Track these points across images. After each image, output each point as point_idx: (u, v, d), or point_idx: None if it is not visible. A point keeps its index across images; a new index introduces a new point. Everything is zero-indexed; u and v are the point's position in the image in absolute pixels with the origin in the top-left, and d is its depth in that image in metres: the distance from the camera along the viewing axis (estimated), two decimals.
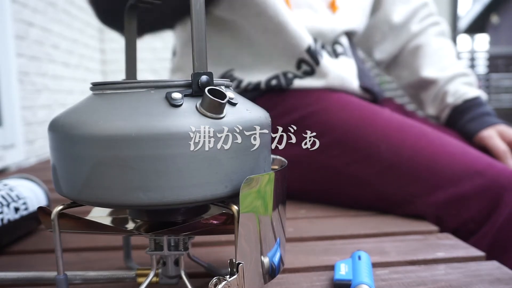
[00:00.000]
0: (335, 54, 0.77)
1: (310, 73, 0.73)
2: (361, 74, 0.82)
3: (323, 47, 0.76)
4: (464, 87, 0.83)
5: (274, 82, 0.73)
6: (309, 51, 0.72)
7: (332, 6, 0.80)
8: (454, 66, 0.86)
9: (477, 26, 9.70)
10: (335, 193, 0.71)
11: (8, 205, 0.51)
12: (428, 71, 0.86)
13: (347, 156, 0.68)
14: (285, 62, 0.73)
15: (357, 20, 0.84)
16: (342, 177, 0.69)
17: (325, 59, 0.74)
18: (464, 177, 0.61)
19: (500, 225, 0.58)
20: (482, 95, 0.84)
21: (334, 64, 0.75)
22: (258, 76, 0.73)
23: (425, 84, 0.87)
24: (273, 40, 0.72)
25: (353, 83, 0.78)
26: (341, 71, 0.75)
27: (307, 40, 0.72)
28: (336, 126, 0.69)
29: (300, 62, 0.73)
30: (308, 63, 0.73)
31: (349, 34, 0.84)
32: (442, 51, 0.88)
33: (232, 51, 0.76)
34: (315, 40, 0.75)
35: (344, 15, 0.80)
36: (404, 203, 0.64)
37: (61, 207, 0.33)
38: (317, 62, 0.73)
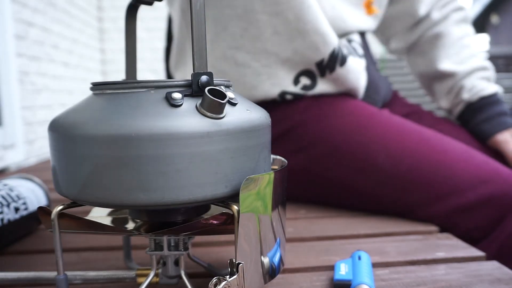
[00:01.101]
0: (358, 55, 0.71)
1: (310, 87, 0.67)
2: (371, 88, 0.76)
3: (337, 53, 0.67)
4: (482, 83, 0.80)
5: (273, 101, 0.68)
6: (321, 64, 0.65)
7: (368, 7, 0.74)
8: (473, 58, 0.81)
9: (477, 26, 9.70)
10: (332, 202, 0.69)
11: (8, 205, 0.51)
12: (446, 63, 0.82)
13: (343, 167, 0.65)
14: (282, 76, 0.66)
15: (374, 21, 0.79)
16: (338, 187, 0.66)
17: (350, 61, 0.67)
18: (467, 187, 0.58)
19: (509, 233, 0.56)
20: (499, 91, 0.80)
21: (346, 72, 0.68)
22: (250, 97, 0.66)
23: (441, 76, 0.83)
24: (279, 47, 0.65)
25: (359, 94, 0.72)
26: (348, 82, 0.69)
27: (328, 49, 0.65)
28: (330, 135, 0.65)
29: (299, 76, 0.67)
30: (312, 74, 0.67)
31: (362, 35, 0.79)
32: (463, 40, 0.83)
33: (219, 61, 0.67)
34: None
35: (363, 14, 0.75)
36: (404, 212, 0.62)
37: (61, 207, 0.33)
38: (323, 73, 0.66)
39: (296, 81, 0.67)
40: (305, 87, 0.67)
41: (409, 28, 0.87)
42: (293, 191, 0.71)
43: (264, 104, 0.68)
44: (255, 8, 0.63)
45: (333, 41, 0.65)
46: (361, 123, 0.65)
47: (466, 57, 0.82)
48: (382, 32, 0.92)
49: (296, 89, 0.67)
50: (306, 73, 0.67)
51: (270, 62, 0.66)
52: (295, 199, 0.74)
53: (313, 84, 0.67)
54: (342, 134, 0.65)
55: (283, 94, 0.67)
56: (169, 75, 0.84)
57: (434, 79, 0.86)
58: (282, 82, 0.66)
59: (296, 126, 0.68)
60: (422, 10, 0.83)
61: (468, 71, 0.80)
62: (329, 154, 0.66)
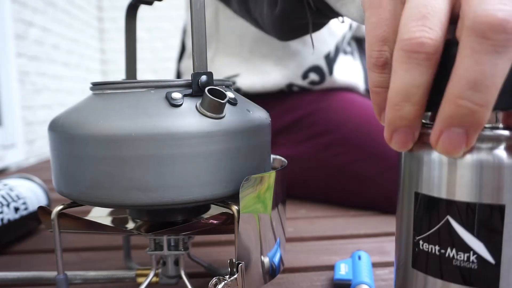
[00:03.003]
0: (343, 51, 0.78)
1: (318, 82, 0.73)
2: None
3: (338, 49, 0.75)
4: None
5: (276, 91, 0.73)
6: (328, 57, 0.71)
7: None
8: None
9: None
10: (338, 190, 0.71)
11: (8, 205, 0.51)
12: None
13: (351, 154, 0.68)
14: (292, 69, 0.72)
15: None
16: (345, 175, 0.69)
17: (339, 61, 0.73)
18: None
19: None
20: None
21: (344, 67, 0.75)
22: (260, 85, 0.73)
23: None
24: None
25: (359, 86, 0.78)
26: (349, 75, 0.75)
27: (333, 41, 0.71)
28: (341, 124, 0.70)
29: (308, 72, 0.72)
30: (321, 71, 0.72)
31: (360, 40, 0.86)
32: None
33: (248, 56, 0.74)
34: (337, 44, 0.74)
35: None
36: None
37: (61, 207, 0.33)
38: (331, 70, 0.72)
39: (304, 76, 0.73)
40: (312, 83, 0.73)
41: None
42: (299, 179, 0.73)
43: (275, 94, 0.74)
44: None
45: (337, 33, 0.72)
46: (368, 114, 0.70)
47: None
48: None
49: (304, 83, 0.73)
50: (315, 69, 0.72)
51: (283, 53, 0.72)
52: (296, 198, 0.75)
53: (321, 80, 0.73)
54: (351, 124, 0.69)
55: (290, 85, 0.73)
56: (178, 72, 0.90)
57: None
58: (291, 75, 0.72)
59: (307, 116, 0.73)
60: None
61: None
62: (338, 143, 0.70)
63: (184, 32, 0.89)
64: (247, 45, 0.74)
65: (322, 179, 0.72)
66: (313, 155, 0.71)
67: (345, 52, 0.78)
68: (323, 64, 0.72)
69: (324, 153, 0.71)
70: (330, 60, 0.72)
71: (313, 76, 0.73)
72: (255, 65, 0.74)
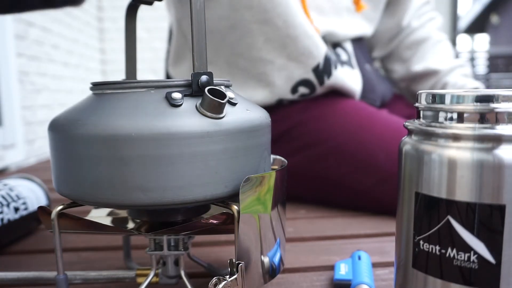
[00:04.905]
0: (340, 62, 0.73)
1: (309, 94, 0.69)
2: (366, 88, 0.78)
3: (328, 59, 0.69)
4: (463, 79, 0.85)
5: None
6: (317, 69, 0.67)
7: (357, 4, 0.78)
8: (451, 58, 0.88)
9: (477, 26, 9.70)
10: (331, 201, 0.69)
11: (8, 205, 0.51)
12: (429, 63, 0.87)
13: (344, 166, 0.66)
14: (280, 85, 0.68)
15: (371, 26, 0.84)
16: (338, 187, 0.67)
17: (337, 72, 0.69)
18: None
19: None
20: (480, 86, 0.86)
21: (341, 76, 0.70)
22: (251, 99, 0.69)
23: (424, 75, 0.88)
24: (273, 54, 0.67)
25: (356, 92, 0.74)
26: (346, 85, 0.71)
27: (321, 53, 0.67)
28: (331, 134, 0.66)
29: (297, 86, 0.68)
30: (310, 84, 0.68)
31: (357, 40, 0.82)
32: (441, 43, 0.89)
33: (225, 66, 0.70)
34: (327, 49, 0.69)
35: (358, 20, 0.80)
36: None
37: (61, 207, 0.33)
38: (322, 82, 0.68)
39: (294, 91, 0.69)
40: (303, 95, 0.69)
41: (391, 38, 0.92)
42: (292, 192, 0.71)
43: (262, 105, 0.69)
44: (245, 18, 0.66)
45: (323, 44, 0.68)
46: (360, 123, 0.66)
47: (445, 57, 0.88)
48: (370, 41, 0.95)
49: (294, 97, 0.69)
50: (305, 83, 0.68)
51: (266, 70, 0.68)
52: (295, 199, 0.74)
53: (312, 92, 0.69)
54: (342, 134, 0.66)
55: (280, 101, 0.69)
56: (167, 74, 0.88)
57: (414, 80, 0.90)
58: (279, 91, 0.68)
59: (295, 127, 0.69)
60: (405, 20, 0.90)
61: (450, 69, 0.86)
62: (328, 154, 0.67)
63: (170, 34, 0.85)
64: (223, 56, 0.70)
65: (313, 191, 0.70)
66: (304, 167, 0.68)
67: (342, 63, 0.74)
68: (312, 77, 0.68)
69: (315, 166, 0.67)
70: (320, 72, 0.68)
71: (303, 90, 0.69)
72: (237, 80, 0.70)
